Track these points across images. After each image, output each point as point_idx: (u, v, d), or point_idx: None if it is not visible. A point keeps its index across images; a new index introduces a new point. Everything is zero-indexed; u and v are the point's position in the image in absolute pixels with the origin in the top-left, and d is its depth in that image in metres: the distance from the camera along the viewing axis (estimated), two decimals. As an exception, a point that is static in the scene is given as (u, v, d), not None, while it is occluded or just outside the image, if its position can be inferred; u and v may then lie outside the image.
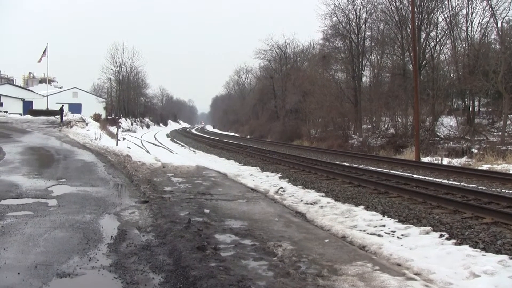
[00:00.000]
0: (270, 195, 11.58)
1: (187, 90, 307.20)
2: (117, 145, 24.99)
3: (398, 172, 16.83)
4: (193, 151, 30.88)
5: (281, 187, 12.77)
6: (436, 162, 21.34)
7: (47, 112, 47.18)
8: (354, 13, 41.47)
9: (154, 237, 6.93)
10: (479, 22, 34.00)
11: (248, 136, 60.49)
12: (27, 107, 55.95)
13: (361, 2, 40.82)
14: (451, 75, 35.38)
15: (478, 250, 6.79)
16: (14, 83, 79.51)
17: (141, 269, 5.43)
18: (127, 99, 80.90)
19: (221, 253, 6.08)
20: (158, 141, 43.01)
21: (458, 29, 34.23)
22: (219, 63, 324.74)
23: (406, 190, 11.62)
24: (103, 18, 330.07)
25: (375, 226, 8.40)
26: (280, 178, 15.19)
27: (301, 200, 11.02)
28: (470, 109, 34.64)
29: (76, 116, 43.25)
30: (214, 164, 19.67)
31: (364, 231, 8.07)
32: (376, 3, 39.19)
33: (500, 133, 28.13)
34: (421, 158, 22.46)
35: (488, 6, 30.95)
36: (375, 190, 12.20)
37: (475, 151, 24.04)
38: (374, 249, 6.74)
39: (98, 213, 8.42)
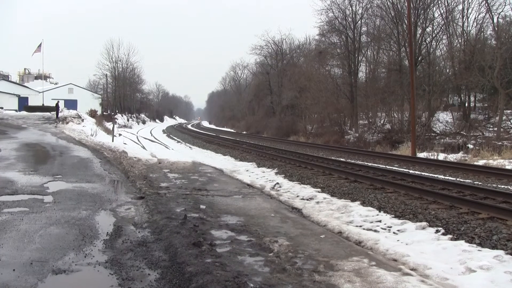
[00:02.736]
0: (266, 191, 11.58)
1: (183, 86, 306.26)
2: (113, 141, 24.93)
3: (394, 168, 16.85)
4: (189, 147, 30.84)
5: (277, 183, 12.76)
6: (432, 157, 21.39)
7: (43, 108, 46.98)
8: (350, 8, 41.52)
9: (150, 233, 6.91)
10: (475, 18, 34.26)
11: (244, 132, 60.44)
12: (23, 103, 55.64)
13: (357, -3, 40.80)
14: (447, 70, 35.45)
15: (474, 245, 6.80)
16: (10, 79, 79.02)
17: (137, 265, 5.42)
18: (123, 95, 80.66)
19: (217, 249, 6.07)
20: (154, 137, 42.91)
21: (454, 25, 34.28)
22: (215, 59, 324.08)
23: (402, 186, 11.63)
24: (99, 14, 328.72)
25: (371, 222, 8.41)
26: (276, 173, 15.18)
27: (297, 196, 11.02)
28: (466, 104, 34.71)
29: (72, 112, 43.08)
30: (210, 160, 19.64)
31: (360, 226, 8.08)
32: (372, -1, 39.17)
33: (495, 129, 28.20)
34: (417, 154, 22.49)
35: (484, 1, 31.03)
36: (371, 185, 12.21)
37: (471, 146, 24.10)
38: (370, 245, 6.75)
39: (94, 209, 8.40)
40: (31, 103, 56.54)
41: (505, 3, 38.32)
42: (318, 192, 11.42)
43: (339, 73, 45.51)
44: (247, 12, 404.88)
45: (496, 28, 31.09)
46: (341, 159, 19.79)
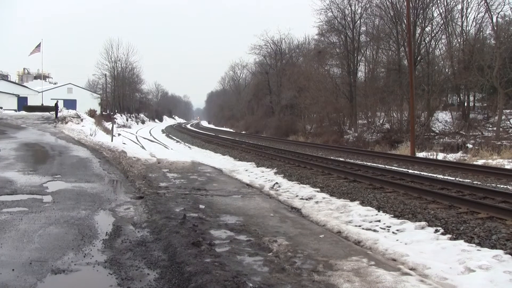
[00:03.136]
0: (265, 191, 11.57)
1: (183, 85, 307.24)
2: (112, 141, 24.90)
3: (393, 167, 16.85)
4: (188, 147, 30.82)
5: (276, 183, 12.76)
6: (431, 157, 21.39)
7: (42, 108, 46.98)
8: (349, 8, 41.47)
9: (149, 233, 6.91)
10: (474, 17, 34.24)
11: (243, 132, 60.40)
12: (22, 103, 55.62)
13: (356, -3, 40.78)
14: (446, 70, 35.44)
15: (473, 245, 6.80)
16: (9, 79, 78.88)
17: (136, 265, 5.41)
18: (122, 95, 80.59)
19: (216, 249, 6.07)
20: (153, 137, 42.90)
21: (453, 24, 34.33)
22: (215, 59, 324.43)
23: (401, 185, 11.62)
24: (99, 14, 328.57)
25: (371, 221, 8.41)
26: (276, 173, 15.18)
27: (297, 196, 11.02)
28: (465, 104, 34.75)
29: (71, 112, 43.09)
30: (209, 160, 19.63)
31: (360, 226, 8.08)
32: (371, -2, 39.16)
33: (495, 128, 28.21)
34: (416, 153, 22.50)
35: (483, 1, 31.03)
36: (370, 185, 12.21)
37: (470, 146, 24.11)
38: (370, 244, 6.75)
39: (93, 209, 8.39)
40: (30, 103, 56.53)
41: (504, 2, 38.58)
42: (317, 191, 11.42)
43: (338, 72, 45.48)
44: (247, 12, 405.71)
45: (495, 28, 31.10)
46: (340, 159, 19.79)
